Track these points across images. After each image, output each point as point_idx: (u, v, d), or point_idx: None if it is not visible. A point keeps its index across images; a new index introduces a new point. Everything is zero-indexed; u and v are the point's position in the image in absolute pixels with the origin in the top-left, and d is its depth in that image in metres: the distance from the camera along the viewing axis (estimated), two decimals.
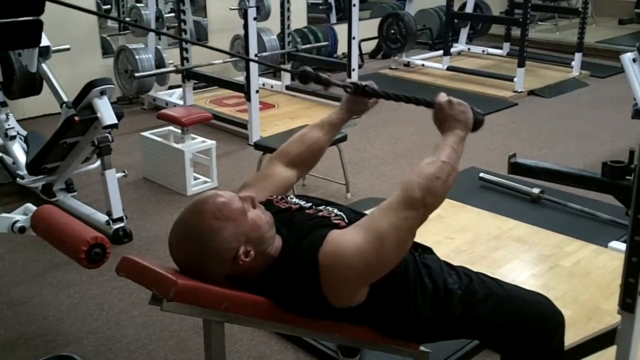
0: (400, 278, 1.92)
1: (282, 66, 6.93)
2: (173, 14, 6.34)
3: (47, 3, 3.15)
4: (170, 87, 6.64)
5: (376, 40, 8.22)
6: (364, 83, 2.14)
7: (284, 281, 1.83)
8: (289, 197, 2.11)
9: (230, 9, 5.99)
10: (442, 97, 2.01)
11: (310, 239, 1.81)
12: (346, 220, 1.95)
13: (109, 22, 6.88)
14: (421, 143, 5.31)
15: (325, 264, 1.75)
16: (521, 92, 6.79)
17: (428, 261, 2.06)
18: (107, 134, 3.72)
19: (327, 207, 2.03)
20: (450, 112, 1.98)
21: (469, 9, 8.26)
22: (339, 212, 1.99)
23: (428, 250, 2.16)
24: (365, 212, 2.04)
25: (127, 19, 6.30)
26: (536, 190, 4.18)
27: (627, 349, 1.96)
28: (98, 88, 3.64)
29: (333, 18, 8.62)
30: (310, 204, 2.06)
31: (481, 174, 4.52)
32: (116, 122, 3.66)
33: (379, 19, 7.84)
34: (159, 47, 6.32)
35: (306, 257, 1.78)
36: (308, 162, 2.29)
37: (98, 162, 3.91)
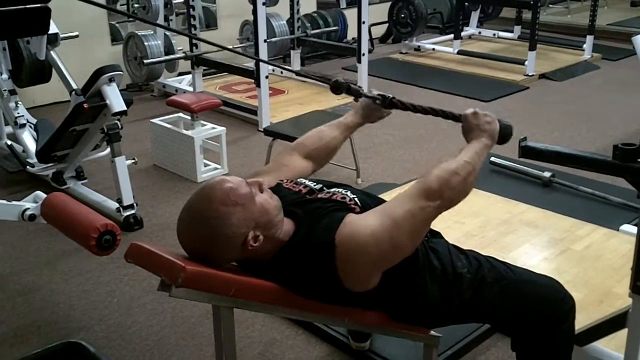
0: (411, 262, 1.91)
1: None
2: (182, 0, 6.32)
3: None
4: (180, 74, 6.64)
5: (386, 25, 8.18)
6: (390, 95, 2.23)
7: (297, 264, 1.82)
8: (297, 180, 2.11)
9: None
10: (469, 110, 2.08)
11: (327, 221, 1.82)
12: (360, 206, 1.94)
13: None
14: (432, 129, 5.28)
15: (342, 245, 1.75)
16: (532, 75, 6.74)
17: (436, 245, 2.06)
18: (116, 121, 3.73)
19: (339, 190, 2.02)
20: (476, 122, 2.04)
21: None
22: (352, 196, 1.98)
23: (436, 235, 2.15)
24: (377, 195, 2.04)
25: (136, 5, 6.28)
26: (547, 174, 4.16)
27: (638, 332, 1.95)
28: (107, 75, 3.66)
29: (343, 2, 8.57)
30: (321, 185, 2.06)
31: (492, 158, 4.49)
32: (125, 109, 3.67)
33: (389, 3, 7.81)
34: (168, 33, 6.31)
35: (323, 239, 1.78)
36: (322, 158, 2.30)
37: (108, 150, 3.91)
